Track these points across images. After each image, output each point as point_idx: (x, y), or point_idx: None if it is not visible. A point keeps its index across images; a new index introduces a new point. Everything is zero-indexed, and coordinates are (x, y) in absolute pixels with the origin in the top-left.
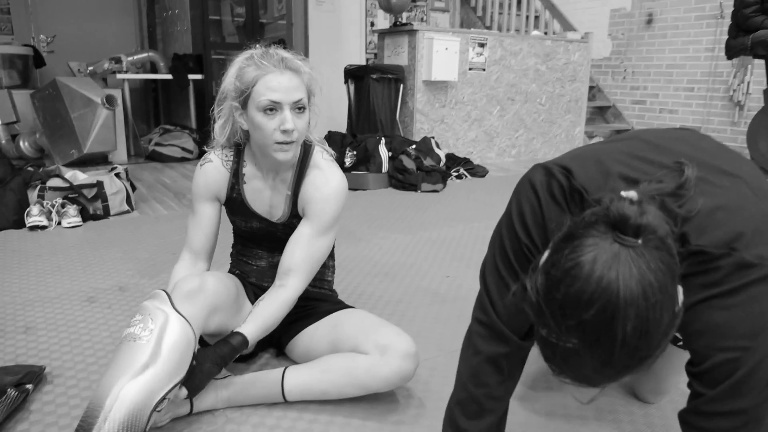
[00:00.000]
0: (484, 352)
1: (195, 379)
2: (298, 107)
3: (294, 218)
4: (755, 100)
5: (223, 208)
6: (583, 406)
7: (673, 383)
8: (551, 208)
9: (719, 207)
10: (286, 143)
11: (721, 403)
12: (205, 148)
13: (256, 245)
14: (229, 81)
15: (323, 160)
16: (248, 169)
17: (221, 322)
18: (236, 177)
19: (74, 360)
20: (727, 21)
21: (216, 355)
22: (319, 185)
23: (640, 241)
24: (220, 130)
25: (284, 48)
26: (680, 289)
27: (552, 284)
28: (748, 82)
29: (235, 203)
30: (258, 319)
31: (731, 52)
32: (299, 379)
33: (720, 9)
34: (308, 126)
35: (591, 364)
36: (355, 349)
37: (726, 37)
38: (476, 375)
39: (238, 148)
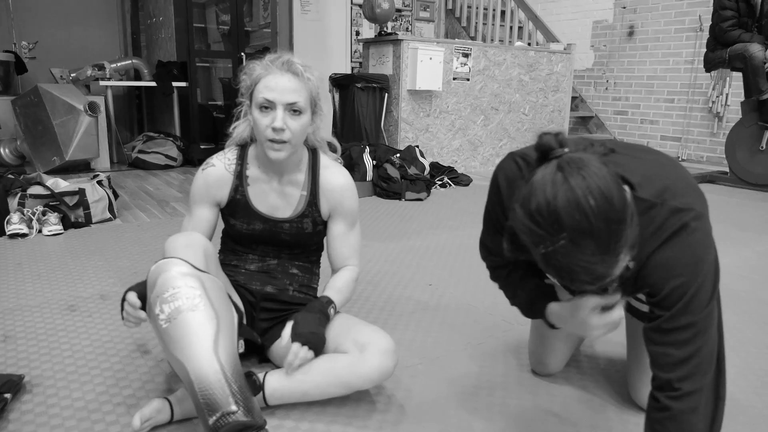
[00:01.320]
0: (490, 263)
1: (307, 335)
2: (293, 109)
3: (305, 217)
4: (733, 112)
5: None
6: (563, 412)
7: None
8: (515, 173)
9: (648, 169)
10: (277, 141)
11: (677, 320)
12: (229, 131)
13: (249, 250)
14: (244, 78)
15: (332, 162)
16: (252, 171)
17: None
18: (240, 179)
19: (54, 369)
20: (706, 34)
21: (316, 308)
22: (338, 188)
23: (566, 150)
24: (240, 123)
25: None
26: (627, 190)
27: (524, 206)
28: (727, 94)
29: (238, 205)
30: (332, 286)
31: (710, 64)
32: (280, 382)
33: (699, 22)
34: (306, 130)
35: (588, 248)
36: (336, 349)
37: (705, 49)
38: (493, 270)
39: (243, 150)
